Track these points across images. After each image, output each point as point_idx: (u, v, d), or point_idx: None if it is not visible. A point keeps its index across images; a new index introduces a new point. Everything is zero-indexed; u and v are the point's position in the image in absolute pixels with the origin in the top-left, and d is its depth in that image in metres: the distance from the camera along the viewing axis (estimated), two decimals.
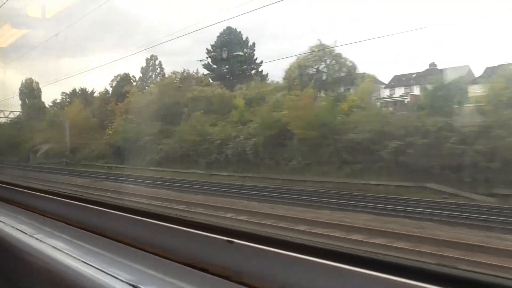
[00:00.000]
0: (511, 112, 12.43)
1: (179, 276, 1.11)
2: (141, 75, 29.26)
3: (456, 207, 10.34)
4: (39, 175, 20.50)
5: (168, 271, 1.15)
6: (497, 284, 0.77)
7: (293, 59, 20.95)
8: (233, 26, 24.78)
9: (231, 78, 24.96)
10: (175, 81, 25.36)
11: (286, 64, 21.22)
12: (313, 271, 0.92)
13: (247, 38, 25.79)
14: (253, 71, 26.03)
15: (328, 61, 20.71)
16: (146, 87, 28.66)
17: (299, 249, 0.97)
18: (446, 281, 0.78)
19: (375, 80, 19.80)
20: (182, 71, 25.39)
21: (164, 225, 1.32)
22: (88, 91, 30.17)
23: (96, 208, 1.66)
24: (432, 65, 18.06)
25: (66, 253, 1.37)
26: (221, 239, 1.11)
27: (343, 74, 20.53)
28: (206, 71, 26.24)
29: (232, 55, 24.60)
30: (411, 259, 0.89)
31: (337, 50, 20.21)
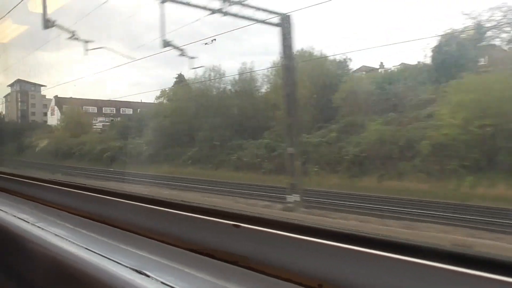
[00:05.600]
0: None
1: (184, 262, 1.09)
2: None
3: None
4: None
5: (173, 257, 1.13)
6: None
7: None
8: None
9: None
10: None
11: None
12: (323, 254, 0.90)
13: None
14: None
15: None
16: None
17: (307, 232, 0.94)
18: (460, 261, 0.76)
19: None
20: None
21: (168, 211, 1.29)
22: None
23: (99, 197, 1.65)
24: None
25: (69, 241, 1.35)
26: (227, 223, 1.09)
27: None
28: None
29: None
30: (422, 241, 0.87)
31: None
